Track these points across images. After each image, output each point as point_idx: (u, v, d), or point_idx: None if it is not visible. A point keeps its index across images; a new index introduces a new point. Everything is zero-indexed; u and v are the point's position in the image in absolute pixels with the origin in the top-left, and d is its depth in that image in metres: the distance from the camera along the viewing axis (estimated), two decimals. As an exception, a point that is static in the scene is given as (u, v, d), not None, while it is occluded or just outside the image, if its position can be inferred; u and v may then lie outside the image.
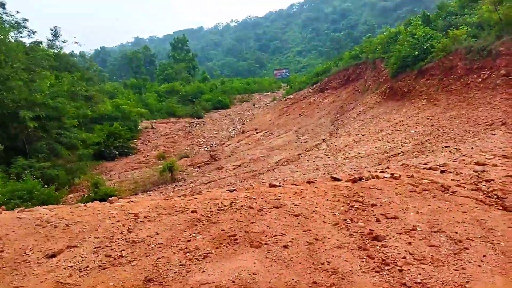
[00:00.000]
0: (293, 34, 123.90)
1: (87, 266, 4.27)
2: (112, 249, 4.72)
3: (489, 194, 5.61)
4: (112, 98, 29.84)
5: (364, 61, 24.63)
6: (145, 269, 4.17)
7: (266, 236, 4.69)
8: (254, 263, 4.06)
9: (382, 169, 8.00)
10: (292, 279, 3.68)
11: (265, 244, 4.48)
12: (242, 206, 5.73)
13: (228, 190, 6.89)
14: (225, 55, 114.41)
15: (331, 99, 24.68)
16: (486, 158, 7.25)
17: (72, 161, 16.17)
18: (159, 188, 13.29)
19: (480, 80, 13.46)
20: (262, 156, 15.62)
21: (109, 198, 7.12)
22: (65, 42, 29.22)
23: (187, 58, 60.54)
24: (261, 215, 5.36)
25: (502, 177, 6.15)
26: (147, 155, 20.36)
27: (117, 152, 20.58)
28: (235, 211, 5.56)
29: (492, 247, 3.98)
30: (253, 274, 3.83)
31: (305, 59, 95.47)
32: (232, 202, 5.90)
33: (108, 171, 18.14)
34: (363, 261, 3.99)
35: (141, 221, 5.44)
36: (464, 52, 14.83)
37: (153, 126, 26.13)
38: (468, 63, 14.46)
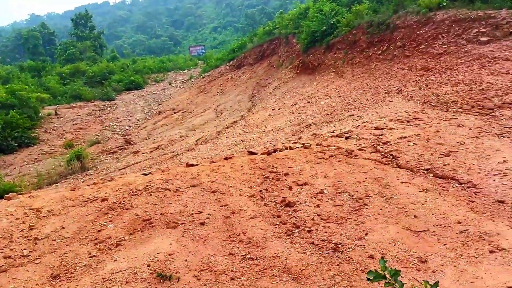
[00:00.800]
0: (206, 9, 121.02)
1: (-19, 272, 3.82)
2: (11, 250, 4.28)
3: (386, 155, 6.22)
4: (6, 83, 26.31)
5: (278, 36, 25.10)
6: (51, 266, 3.85)
7: (183, 216, 4.63)
8: (170, 244, 3.99)
9: (295, 140, 8.38)
10: (209, 254, 3.70)
11: (182, 223, 4.43)
12: (157, 188, 5.57)
13: (143, 174, 6.62)
14: (135, 32, 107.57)
15: (248, 75, 24.89)
16: (384, 123, 7.99)
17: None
18: (67, 179, 12.25)
19: (380, 52, 14.65)
20: (180, 137, 15.25)
21: (6, 195, 6.36)
22: None
23: (92, 36, 55.49)
24: (177, 195, 5.27)
25: (397, 138, 6.86)
26: (52, 145, 18.53)
27: (16, 144, 18.34)
28: (150, 195, 5.38)
29: (387, 201, 4.44)
30: (169, 255, 3.77)
31: (220, 35, 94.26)
32: (147, 186, 5.69)
33: (7, 166, 16.16)
34: (276, 227, 4.18)
35: (44, 216, 4.98)
36: (366, 26, 15.90)
37: (57, 112, 23.72)
38: (369, 37, 15.58)
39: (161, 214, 4.73)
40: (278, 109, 15.20)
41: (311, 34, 18.76)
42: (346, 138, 7.48)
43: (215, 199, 5.04)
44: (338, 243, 3.67)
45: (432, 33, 12.76)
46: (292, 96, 16.53)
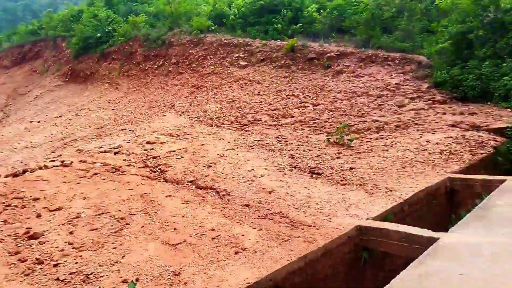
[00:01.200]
0: None
1: None
2: None
3: (155, 169, 6.17)
4: None
5: (44, 38, 21.79)
6: None
7: None
8: None
9: (54, 157, 7.25)
10: None
11: None
12: None
13: None
14: None
15: (2, 80, 20.46)
16: (156, 137, 7.99)
17: None
18: None
19: (156, 67, 14.86)
20: None
21: None
22: None
23: None
24: None
25: (166, 152, 6.94)
26: None
27: None
28: None
29: (150, 217, 4.33)
30: None
31: (-37, 27, 74.04)
32: None
33: None
34: (11, 267, 3.35)
35: None
36: (143, 39, 15.87)
37: None
38: (146, 50, 15.59)
39: None
40: (38, 122, 13.02)
41: (84, 39, 17.21)
42: (115, 153, 7.02)
43: None
44: (90, 273, 3.25)
45: (202, 54, 13.97)
46: (58, 107, 14.55)
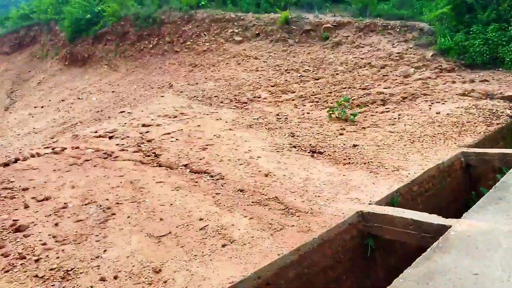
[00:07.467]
0: None
1: None
2: None
3: (148, 153, 5.96)
4: None
5: (37, 22, 21.39)
6: None
7: None
8: None
9: (48, 144, 7.12)
10: None
11: None
12: None
13: None
14: None
15: (4, 67, 20.34)
16: (152, 119, 7.76)
17: None
18: None
19: (151, 46, 14.44)
20: None
21: None
22: None
23: None
24: None
25: (161, 135, 6.72)
26: None
27: None
28: None
29: (137, 206, 4.14)
30: None
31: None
32: None
33: None
34: (-7, 264, 3.22)
35: None
36: (133, 18, 15.33)
37: None
38: (138, 30, 15.10)
39: None
40: (42, 107, 12.91)
41: (75, 21, 16.77)
42: (110, 138, 6.84)
43: None
44: (70, 269, 3.10)
45: (195, 31, 13.48)
46: (60, 91, 14.39)
